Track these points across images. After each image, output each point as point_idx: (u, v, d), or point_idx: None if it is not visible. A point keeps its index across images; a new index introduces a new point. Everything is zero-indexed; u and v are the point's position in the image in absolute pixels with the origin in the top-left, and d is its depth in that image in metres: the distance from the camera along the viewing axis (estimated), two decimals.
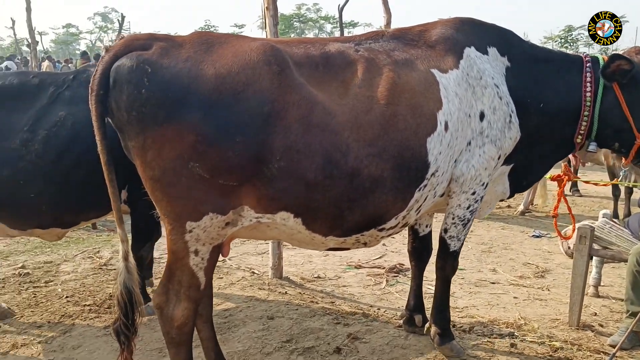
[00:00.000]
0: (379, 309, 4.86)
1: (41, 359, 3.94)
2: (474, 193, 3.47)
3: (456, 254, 3.73)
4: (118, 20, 28.30)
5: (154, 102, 2.70)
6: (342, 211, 2.99)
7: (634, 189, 9.76)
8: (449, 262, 3.74)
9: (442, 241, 3.71)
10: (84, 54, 20.06)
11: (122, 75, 2.74)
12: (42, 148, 3.84)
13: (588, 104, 3.59)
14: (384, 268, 6.13)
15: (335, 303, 4.94)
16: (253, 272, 5.85)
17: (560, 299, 5.29)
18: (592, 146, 3.69)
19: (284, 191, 2.86)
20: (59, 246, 6.89)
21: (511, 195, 3.90)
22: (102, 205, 4.01)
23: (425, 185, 3.20)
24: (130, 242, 3.04)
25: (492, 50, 3.54)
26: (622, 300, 5.21)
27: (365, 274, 5.99)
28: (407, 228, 3.88)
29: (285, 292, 5.19)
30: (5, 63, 23.07)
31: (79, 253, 6.60)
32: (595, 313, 4.90)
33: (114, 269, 5.93)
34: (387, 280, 5.74)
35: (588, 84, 3.60)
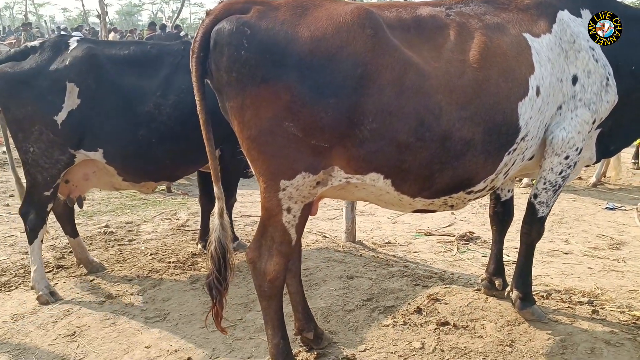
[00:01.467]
0: (452, 274, 4.91)
1: (134, 309, 4.20)
2: (567, 157, 3.44)
3: (543, 219, 3.72)
4: None
5: (252, 63, 2.80)
6: (432, 173, 3.04)
7: None
8: (535, 227, 3.74)
9: (531, 206, 3.70)
10: (151, 24, 20.51)
11: (222, 37, 2.84)
12: (172, 111, 4.34)
13: None
14: (453, 236, 6.16)
15: (409, 267, 5.02)
16: (325, 236, 5.98)
17: (637, 270, 5.20)
18: None
19: (375, 153, 2.93)
20: (138, 207, 7.21)
21: (597, 161, 3.85)
22: (198, 161, 4.67)
23: (514, 149, 3.20)
24: (224, 199, 3.15)
25: (586, 13, 3.47)
26: None
27: (435, 241, 6.04)
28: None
29: (360, 254, 5.31)
30: (75, 34, 23.87)
31: (157, 214, 6.89)
32: None
33: (192, 230, 6.18)
34: (457, 248, 5.77)
35: None
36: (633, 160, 10.49)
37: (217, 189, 3.14)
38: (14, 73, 4.23)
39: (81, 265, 5.05)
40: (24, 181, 4.59)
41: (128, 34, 22.83)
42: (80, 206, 5.07)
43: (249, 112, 2.87)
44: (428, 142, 2.93)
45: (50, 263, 5.20)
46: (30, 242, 4.48)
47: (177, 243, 5.73)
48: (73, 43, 4.37)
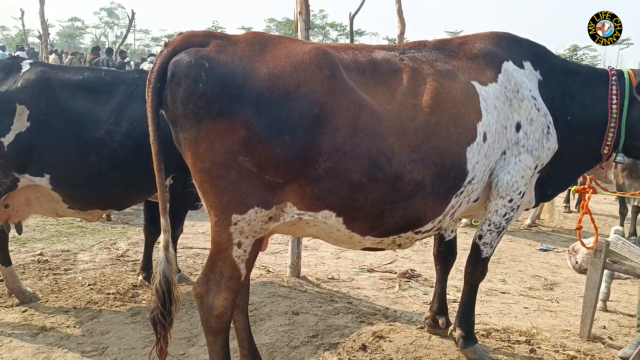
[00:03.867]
0: (395, 311, 4.96)
1: (70, 342, 4.03)
2: (511, 200, 3.58)
3: (487, 260, 3.84)
4: (127, 15, 28.36)
5: (209, 97, 2.81)
6: (383, 213, 3.10)
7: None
8: (479, 267, 3.85)
9: (475, 247, 3.81)
10: (95, 49, 20.16)
11: (180, 69, 2.85)
12: (124, 139, 4.28)
13: (614, 115, 3.72)
14: (395, 273, 6.25)
15: (353, 303, 5.04)
16: (269, 271, 5.94)
17: (569, 311, 5.41)
18: (620, 157, 3.82)
19: (328, 191, 2.97)
20: (75, 235, 6.98)
21: (536, 205, 4.02)
22: (148, 190, 4.60)
23: (461, 192, 3.32)
24: (170, 232, 3.11)
25: (527, 64, 3.67)
26: (629, 315, 5.35)
27: (377, 277, 6.10)
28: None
29: (305, 290, 5.30)
30: (17, 53, 23.17)
31: (96, 243, 6.68)
32: (605, 327, 5.02)
33: (132, 261, 6.02)
34: (399, 285, 5.85)
35: (614, 97, 3.74)
36: (565, 204, 11.01)
37: (164, 221, 3.10)
38: None
39: (13, 295, 4.82)
40: None
41: (71, 56, 22.32)
42: (19, 232, 4.88)
43: (204, 145, 2.86)
44: (380, 182, 2.99)
45: None
46: None
47: (117, 274, 5.57)
48: (26, 65, 4.29)
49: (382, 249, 3.49)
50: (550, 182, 3.92)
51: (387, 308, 5.04)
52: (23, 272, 5.51)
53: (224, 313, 3.06)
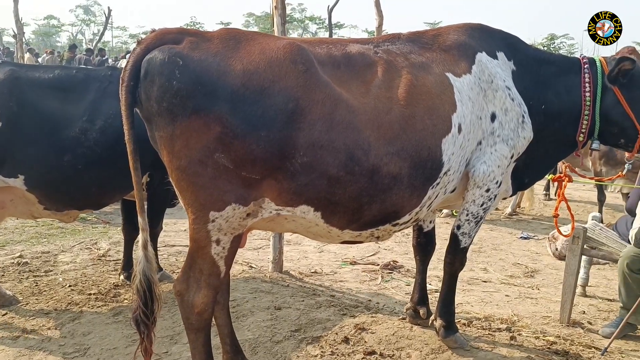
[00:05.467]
0: (377, 303, 4.99)
1: (52, 344, 4.00)
2: (488, 190, 3.61)
3: (466, 250, 3.87)
4: (104, 12, 28.06)
5: (184, 94, 2.80)
6: (360, 206, 3.12)
7: (615, 194, 10.06)
8: (458, 257, 3.89)
9: (454, 237, 3.85)
10: (72, 47, 19.94)
11: (154, 67, 2.83)
12: (99, 137, 4.25)
13: (588, 103, 3.77)
14: (378, 265, 6.27)
15: (335, 297, 5.06)
16: (251, 266, 5.94)
17: (549, 297, 5.48)
18: (595, 144, 3.87)
19: (306, 186, 2.98)
20: (55, 237, 6.91)
21: (513, 193, 4.06)
22: (125, 188, 4.56)
23: (438, 184, 3.34)
24: (148, 230, 3.11)
25: (501, 55, 3.70)
26: (608, 300, 5.44)
27: (360, 270, 6.12)
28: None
29: (288, 285, 5.31)
30: None
31: (77, 244, 6.62)
32: (584, 311, 5.09)
33: (114, 260, 5.98)
34: (382, 277, 5.88)
35: (587, 85, 3.78)
36: (544, 192, 11.12)
37: (141, 220, 3.09)
38: None
39: None
40: None
41: (47, 56, 22.04)
42: None
43: (179, 142, 2.85)
44: (357, 176, 3.01)
45: None
46: None
47: (98, 274, 5.53)
48: None
49: (361, 242, 3.51)
50: (526, 170, 3.96)
51: (369, 300, 5.07)
52: (2, 275, 5.45)
53: (205, 310, 3.07)
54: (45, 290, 5.05)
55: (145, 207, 3.17)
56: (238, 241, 3.09)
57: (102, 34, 28.01)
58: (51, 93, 4.25)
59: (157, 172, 4.59)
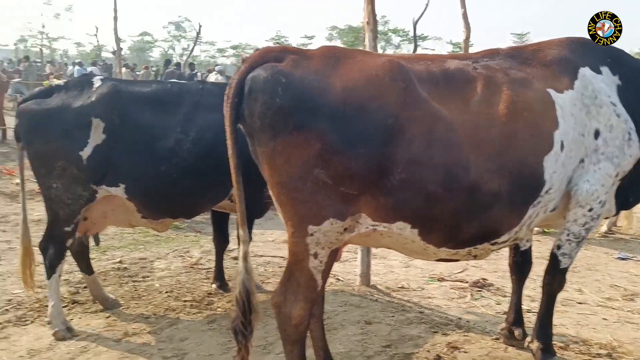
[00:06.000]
0: (468, 321, 4.89)
1: (152, 348, 4.19)
2: (591, 209, 3.48)
3: (565, 270, 3.74)
4: (195, 29, 29.26)
5: (286, 111, 2.89)
6: (459, 224, 3.08)
7: None
8: (557, 278, 3.76)
9: (554, 257, 3.72)
10: (167, 62, 20.92)
11: (257, 84, 2.94)
12: (193, 147, 4.41)
13: None
14: (466, 282, 6.14)
15: (424, 313, 5.00)
16: (338, 279, 5.98)
17: None
18: None
19: (403, 202, 2.98)
20: (150, 244, 7.23)
21: (616, 213, 3.88)
22: (215, 198, 4.75)
23: (538, 202, 3.25)
24: (248, 242, 3.20)
25: (605, 69, 3.56)
26: None
27: (448, 286, 6.02)
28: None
29: (376, 299, 5.30)
30: (90, 69, 24.33)
31: (170, 251, 6.90)
32: None
33: (206, 269, 6.19)
34: (471, 295, 5.75)
35: None
36: None
37: (242, 232, 3.19)
38: (39, 109, 4.32)
39: (96, 302, 5.06)
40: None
41: (143, 70, 23.21)
42: (97, 243, 5.11)
43: (280, 158, 2.94)
44: (456, 193, 2.98)
45: (66, 298, 5.20)
46: (49, 277, 4.50)
47: (192, 281, 5.74)
48: (97, 81, 4.49)
49: (457, 260, 3.46)
50: (631, 188, 3.77)
51: (459, 318, 4.97)
52: (104, 279, 5.76)
53: (301, 322, 3.12)
54: (143, 295, 5.30)
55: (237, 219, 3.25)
56: (335, 255, 3.14)
57: (193, 49, 29.27)
58: (149, 106, 4.48)
59: (247, 185, 4.70)
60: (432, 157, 2.93)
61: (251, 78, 2.97)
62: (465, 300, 5.57)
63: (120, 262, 6.36)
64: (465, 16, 11.04)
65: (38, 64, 28.45)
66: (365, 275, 5.74)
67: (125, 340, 4.31)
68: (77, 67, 28.16)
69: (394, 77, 2.97)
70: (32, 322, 4.71)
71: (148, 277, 5.91)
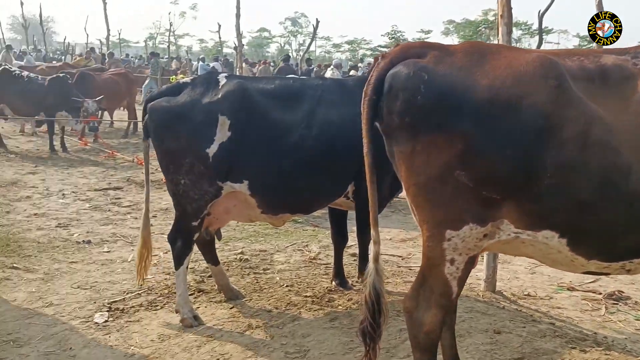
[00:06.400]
0: (605, 337, 4.52)
1: (274, 342, 4.23)
2: None
3: None
4: (312, 24, 29.61)
5: (428, 109, 2.76)
6: (615, 236, 2.80)
7: None
8: None
9: None
10: (286, 58, 21.42)
11: (398, 81, 2.83)
12: (315, 144, 4.42)
13: None
14: (600, 293, 5.70)
15: (556, 325, 4.69)
16: None
17: None
18: None
19: (552, 210, 2.75)
20: (270, 237, 7.36)
21: None
22: (333, 194, 4.78)
23: None
24: (379, 243, 3.11)
25: None
26: None
27: (579, 297, 5.61)
28: None
29: (503, 307, 5.04)
30: (213, 64, 25.34)
31: (289, 245, 6.98)
32: None
33: (324, 264, 6.18)
34: (606, 308, 5.32)
35: None
36: None
37: (374, 233, 3.11)
38: (169, 107, 4.45)
39: (220, 292, 5.20)
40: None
41: (260, 66, 23.87)
42: (219, 238, 5.24)
43: (419, 158, 2.82)
44: (614, 202, 2.71)
45: (191, 286, 5.39)
46: (176, 268, 4.67)
47: (311, 276, 5.76)
48: (223, 79, 4.57)
49: (607, 274, 3.17)
50: None
51: (595, 333, 4.61)
52: (227, 270, 5.91)
53: (433, 330, 2.99)
54: (265, 288, 5.38)
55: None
56: (472, 262, 2.98)
57: (310, 44, 29.64)
58: (273, 103, 4.51)
59: (363, 182, 4.63)
60: (587, 161, 2.68)
61: (391, 75, 2.87)
62: (600, 314, 5.16)
63: (241, 253, 6.51)
64: (600, 5, 10.27)
65: (164, 60, 30.07)
66: (491, 281, 5.48)
67: (249, 333, 4.39)
68: (200, 63, 29.56)
69: (545, 74, 2.74)
70: (161, 307, 4.92)
71: (268, 269, 6.00)
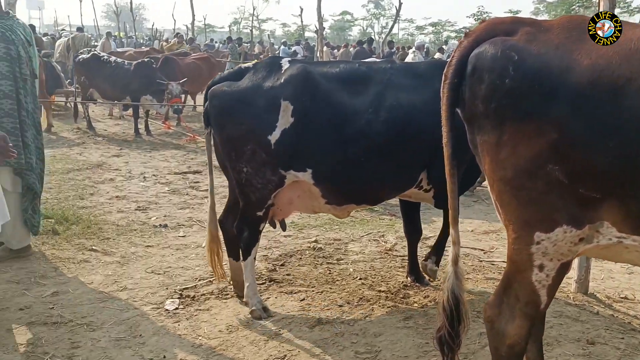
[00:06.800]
0: None
1: (344, 340, 4.02)
2: None
3: None
4: (396, 7, 28.86)
5: (517, 94, 2.42)
6: None
7: None
8: None
9: None
10: (369, 40, 20.98)
11: (483, 62, 2.50)
12: (382, 129, 4.16)
13: None
14: None
15: None
16: None
17: None
18: None
19: None
20: (345, 225, 7.13)
21: None
22: (402, 185, 4.50)
23: None
24: (459, 244, 2.81)
25: None
26: None
27: None
28: None
29: (597, 312, 4.57)
30: (294, 48, 25.36)
31: (365, 234, 6.73)
32: None
33: (400, 256, 5.90)
34: None
35: None
36: None
37: (453, 232, 2.81)
38: (231, 92, 4.29)
39: (292, 281, 5.05)
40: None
41: (342, 49, 23.61)
42: (284, 229, 5.08)
43: (506, 149, 2.48)
44: None
45: (263, 275, 5.28)
46: (244, 258, 4.53)
47: (386, 269, 5.49)
48: (285, 63, 4.38)
49: None
50: None
51: None
52: (300, 258, 5.76)
53: (517, 342, 2.67)
54: (337, 280, 5.17)
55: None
56: (565, 269, 2.62)
57: (392, 26, 28.99)
58: (338, 87, 4.28)
59: (433, 171, 4.37)
60: None
61: (476, 55, 2.54)
62: None
63: (315, 241, 6.33)
64: None
65: (247, 45, 30.37)
66: (583, 282, 5.01)
67: (319, 328, 4.19)
68: (282, 47, 29.67)
69: None
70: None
71: (342, 260, 5.79)
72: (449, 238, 2.88)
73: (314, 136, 4.20)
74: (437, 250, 5.16)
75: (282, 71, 4.27)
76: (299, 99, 4.17)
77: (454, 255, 2.78)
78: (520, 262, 2.59)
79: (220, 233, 4.85)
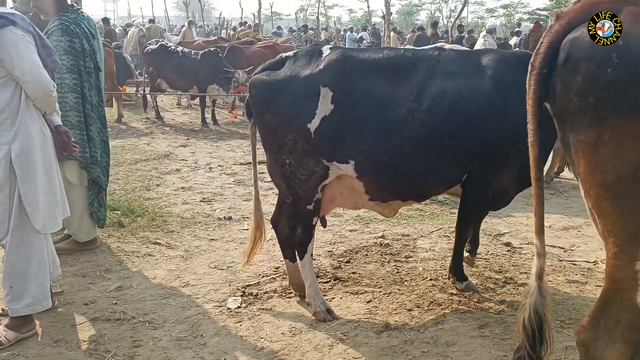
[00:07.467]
0: None
1: (414, 348, 3.75)
2: None
3: None
4: None
5: (621, 86, 2.07)
6: None
7: None
8: None
9: None
10: (434, 24, 20.38)
11: (580, 49, 2.16)
12: (427, 118, 3.94)
13: None
14: None
15: None
16: None
17: None
18: None
19: None
20: (413, 219, 6.83)
21: None
22: (449, 179, 4.26)
23: None
24: (544, 257, 2.49)
25: None
26: None
27: None
28: None
29: None
30: (360, 34, 24.97)
31: (435, 230, 6.40)
32: None
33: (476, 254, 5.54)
34: None
35: None
36: None
37: (538, 242, 2.51)
38: (269, 81, 4.13)
39: (358, 280, 4.82)
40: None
41: (410, 34, 23.02)
42: (324, 225, 4.88)
43: (606, 150, 2.14)
44: None
45: (328, 272, 5.07)
46: (301, 257, 4.33)
47: None
48: (326, 50, 4.17)
49: None
50: None
51: None
52: (366, 255, 5.52)
53: None
54: (406, 280, 4.89)
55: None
56: None
57: (462, 10, 27.97)
58: (381, 73, 4.06)
59: (475, 170, 4.11)
60: None
61: (570, 41, 2.20)
62: None
63: (382, 237, 6.07)
64: None
65: (312, 32, 30.13)
66: None
67: (387, 334, 3.93)
68: (348, 33, 29.29)
69: None
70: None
71: (411, 257, 5.49)
72: (533, 250, 2.55)
73: (356, 125, 3.99)
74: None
75: (322, 57, 4.07)
76: (339, 85, 3.96)
77: (538, 268, 2.47)
78: (622, 280, 2.24)
79: (265, 222, 4.72)
